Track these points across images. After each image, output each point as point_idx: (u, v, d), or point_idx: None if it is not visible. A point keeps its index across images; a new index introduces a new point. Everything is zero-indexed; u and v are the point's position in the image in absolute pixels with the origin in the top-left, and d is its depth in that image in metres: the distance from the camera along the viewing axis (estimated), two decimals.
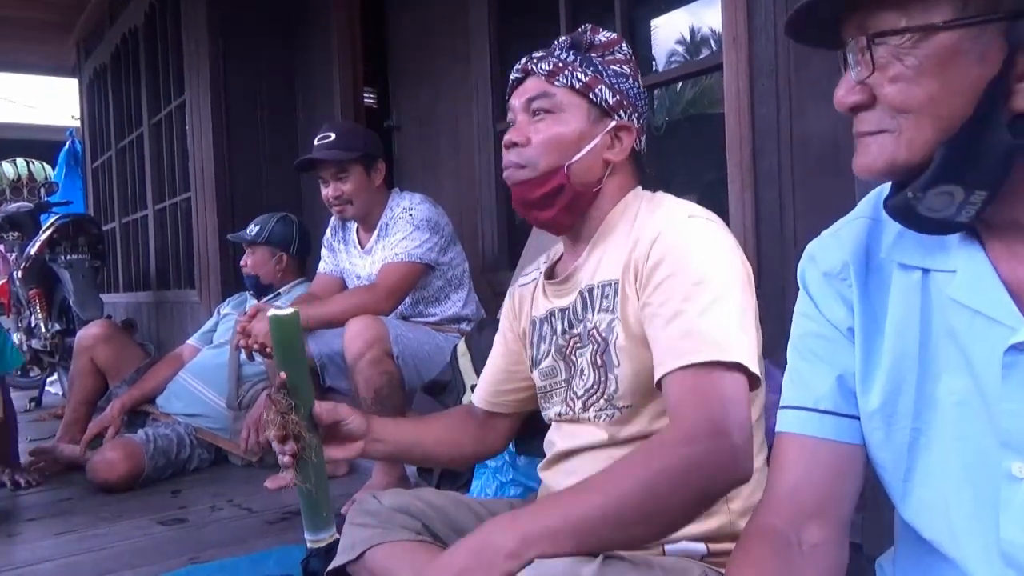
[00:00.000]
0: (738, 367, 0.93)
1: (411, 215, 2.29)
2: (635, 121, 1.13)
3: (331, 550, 1.46)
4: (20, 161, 9.45)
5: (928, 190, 0.62)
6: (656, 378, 0.97)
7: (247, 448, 2.59)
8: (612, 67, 1.12)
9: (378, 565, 1.17)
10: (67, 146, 6.78)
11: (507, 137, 1.12)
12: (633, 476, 0.88)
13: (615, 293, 1.06)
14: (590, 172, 1.11)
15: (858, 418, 0.73)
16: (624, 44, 1.16)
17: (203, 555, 1.82)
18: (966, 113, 0.60)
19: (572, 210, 1.12)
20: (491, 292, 2.67)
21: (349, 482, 2.39)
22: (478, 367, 1.80)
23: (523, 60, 1.14)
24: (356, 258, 2.47)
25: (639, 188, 1.16)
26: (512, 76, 1.16)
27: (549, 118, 1.10)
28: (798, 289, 0.79)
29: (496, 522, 0.92)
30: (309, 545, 1.13)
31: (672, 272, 0.99)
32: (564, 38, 1.15)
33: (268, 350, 2.12)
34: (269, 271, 2.84)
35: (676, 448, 0.88)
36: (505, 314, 1.30)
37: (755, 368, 0.95)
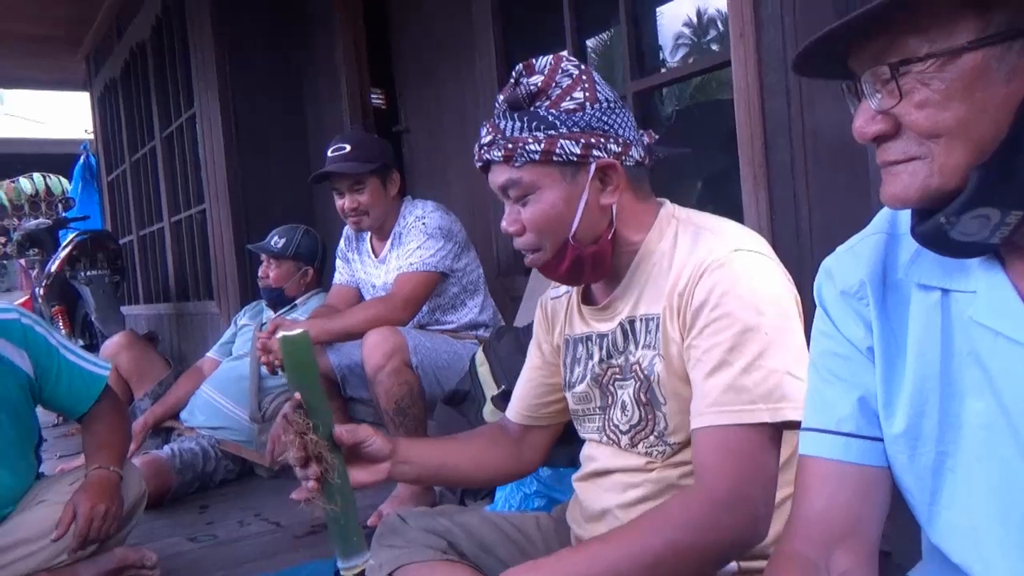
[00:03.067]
0: (779, 424, 0.93)
1: (424, 224, 2.30)
2: (613, 147, 1.03)
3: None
4: (37, 176, 9.60)
5: (963, 214, 0.60)
6: (691, 427, 0.97)
7: (272, 460, 2.62)
8: (563, 106, 1.01)
9: None
10: (82, 160, 6.85)
11: (503, 227, 1.08)
12: (656, 534, 0.90)
13: (657, 328, 1.02)
14: (596, 227, 1.05)
15: (881, 440, 0.72)
16: (564, 63, 1.04)
17: (235, 572, 1.85)
18: (999, 133, 0.58)
19: (601, 266, 1.08)
20: (507, 297, 2.67)
21: (375, 493, 2.40)
22: (497, 376, 1.80)
23: (476, 150, 1.07)
24: (371, 268, 2.48)
25: (666, 204, 1.10)
26: (476, 164, 1.09)
27: (529, 200, 1.04)
28: (813, 284, 0.78)
29: (518, 571, 0.95)
30: (343, 573, 1.09)
31: (717, 316, 0.95)
32: (501, 100, 1.06)
33: None
34: (294, 285, 2.86)
35: (700, 511, 0.90)
36: (539, 323, 1.26)
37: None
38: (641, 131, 1.11)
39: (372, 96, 3.74)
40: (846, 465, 0.73)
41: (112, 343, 3.07)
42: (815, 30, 0.62)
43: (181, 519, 2.35)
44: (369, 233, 2.48)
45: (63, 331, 4.47)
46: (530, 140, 1.01)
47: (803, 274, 1.70)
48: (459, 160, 3.06)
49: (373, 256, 2.47)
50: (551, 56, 1.05)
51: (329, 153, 2.33)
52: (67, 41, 5.91)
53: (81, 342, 4.43)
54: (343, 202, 2.34)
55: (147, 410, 2.93)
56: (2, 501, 1.75)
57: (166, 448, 2.65)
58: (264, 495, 2.53)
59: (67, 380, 1.79)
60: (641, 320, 1.05)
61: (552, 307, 1.24)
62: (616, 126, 1.04)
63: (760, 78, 1.77)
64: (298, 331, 1.05)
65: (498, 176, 1.05)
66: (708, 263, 0.98)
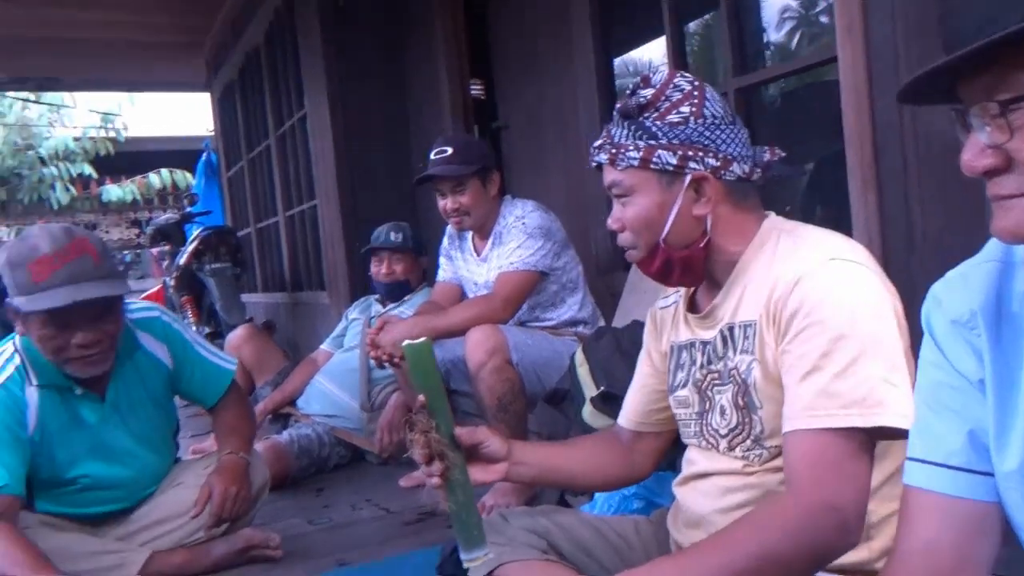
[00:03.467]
0: (873, 430, 0.93)
1: (524, 223, 2.35)
2: (711, 160, 1.08)
3: (454, 553, 1.55)
4: (164, 172, 10.31)
5: None
6: (783, 431, 0.98)
7: (382, 448, 2.77)
8: (668, 118, 1.08)
9: None
10: (204, 157, 7.31)
11: (608, 223, 1.17)
12: (747, 542, 0.92)
13: (754, 334, 1.06)
14: (688, 234, 1.10)
15: (992, 475, 0.71)
16: (676, 80, 1.11)
17: (349, 555, 1.98)
18: None
19: (691, 270, 1.13)
20: (607, 294, 2.69)
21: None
22: (596, 378, 1.84)
23: (591, 151, 1.16)
24: (473, 266, 2.55)
25: (772, 217, 1.14)
26: (590, 163, 1.18)
27: (628, 202, 1.12)
28: (924, 291, 0.77)
29: None
30: (465, 564, 1.16)
31: (810, 323, 0.97)
32: (617, 108, 1.15)
33: (396, 360, 2.25)
34: (416, 276, 3.01)
35: (790, 516, 0.92)
36: (648, 332, 1.31)
37: (904, 421, 0.92)
38: (764, 148, 1.14)
39: (472, 86, 3.82)
40: (954, 499, 0.72)
41: (235, 336, 3.31)
42: (928, 25, 0.61)
43: (300, 501, 2.52)
44: (471, 232, 2.56)
45: (191, 319, 4.81)
46: (631, 147, 1.09)
47: (913, 280, 1.65)
48: (558, 156, 3.09)
49: (475, 254, 2.55)
50: (667, 71, 1.15)
51: (432, 156, 2.42)
52: (188, 47, 6.31)
53: (207, 329, 4.76)
54: (445, 203, 2.43)
55: (267, 397, 3.15)
56: (148, 481, 1.94)
57: (285, 434, 2.84)
58: (374, 481, 2.67)
59: (200, 373, 1.97)
60: (740, 327, 1.08)
61: (660, 316, 1.28)
62: (718, 141, 1.09)
63: (869, 76, 1.71)
64: (421, 340, 1.13)
65: (606, 176, 1.14)
66: (804, 271, 1.00)
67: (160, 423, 1.95)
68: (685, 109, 1.08)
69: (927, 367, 0.76)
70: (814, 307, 0.97)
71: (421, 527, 2.17)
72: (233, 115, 6.13)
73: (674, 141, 1.08)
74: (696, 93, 1.10)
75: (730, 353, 1.09)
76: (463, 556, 1.16)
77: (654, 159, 1.08)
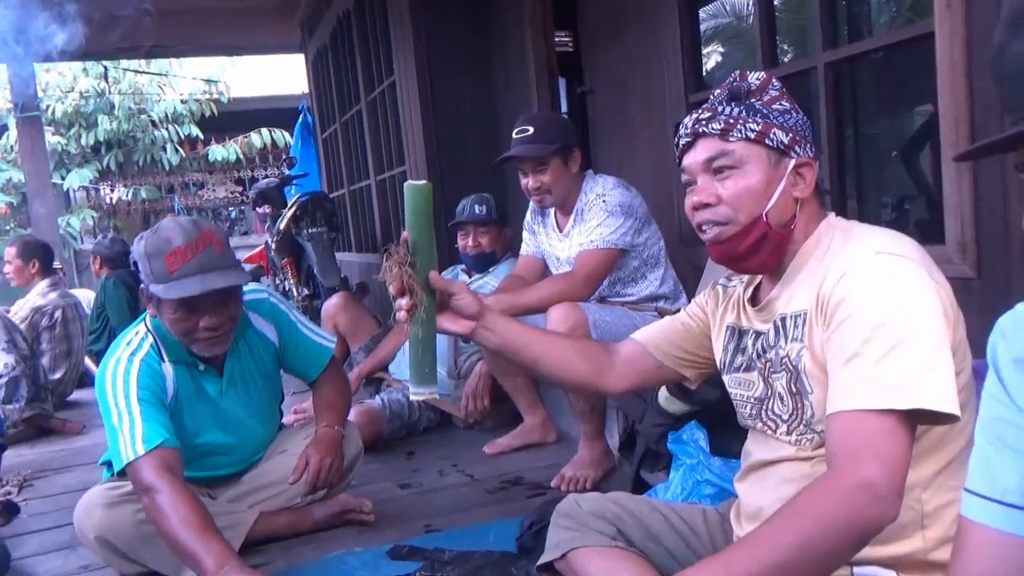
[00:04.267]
0: (911, 413, 0.95)
1: (604, 201, 2.36)
2: (810, 152, 1.16)
3: (532, 527, 1.65)
4: (264, 131, 10.71)
5: None
6: (826, 415, 1.01)
7: (467, 414, 2.89)
8: (775, 107, 1.16)
9: (578, 565, 1.32)
10: (300, 119, 7.54)
11: (695, 199, 1.16)
12: (789, 531, 0.94)
13: (804, 323, 1.11)
14: (785, 213, 1.15)
15: None
16: (774, 80, 1.19)
17: (435, 521, 2.10)
18: None
19: (776, 252, 1.17)
20: (689, 267, 2.68)
21: (558, 452, 2.59)
22: None
23: (690, 123, 1.18)
24: (555, 241, 2.59)
25: (831, 216, 1.19)
26: (681, 140, 1.19)
27: (734, 174, 1.14)
28: (1021, 281, 0.76)
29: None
30: (412, 397, 1.28)
31: (853, 312, 1.02)
32: (721, 91, 1.20)
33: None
34: (501, 247, 3.08)
35: (828, 505, 0.94)
36: (709, 295, 1.36)
37: (944, 405, 0.95)
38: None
39: (558, 38, 3.77)
40: (1007, 536, 0.72)
41: (331, 305, 3.49)
42: None
43: (391, 464, 2.68)
44: (553, 207, 2.58)
45: (292, 280, 5.08)
46: (749, 121, 1.14)
47: (1009, 267, 1.58)
48: (644, 123, 3.05)
49: (557, 230, 2.58)
50: (762, 72, 1.21)
51: (514, 135, 2.45)
52: (283, 11, 6.47)
53: (306, 291, 5.02)
54: (527, 181, 2.46)
55: (361, 363, 3.32)
56: (257, 447, 2.12)
57: (377, 398, 3.00)
58: (459, 446, 2.80)
59: (303, 350, 2.12)
60: (791, 317, 1.14)
61: (724, 291, 1.34)
62: (809, 139, 1.17)
63: (968, 54, 1.63)
64: (423, 182, 1.24)
65: (707, 149, 1.15)
66: (850, 265, 1.05)
67: (269, 396, 2.12)
68: (786, 104, 1.17)
69: (989, 400, 0.77)
70: (857, 297, 1.02)
71: (503, 496, 2.28)
72: (327, 78, 6.29)
73: (785, 124, 1.14)
74: (788, 96, 1.18)
75: (781, 342, 1.15)
76: (412, 389, 1.28)
77: (771, 134, 1.13)
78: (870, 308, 1.00)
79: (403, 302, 1.22)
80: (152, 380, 1.83)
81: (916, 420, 0.97)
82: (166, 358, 1.90)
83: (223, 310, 1.82)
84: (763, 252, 1.15)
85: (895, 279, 1.02)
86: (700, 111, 1.18)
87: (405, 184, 1.23)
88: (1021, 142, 0.60)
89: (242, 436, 2.06)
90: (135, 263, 1.89)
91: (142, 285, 1.86)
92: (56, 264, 4.38)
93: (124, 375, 1.81)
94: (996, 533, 0.73)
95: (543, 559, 1.37)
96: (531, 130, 2.40)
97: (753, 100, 1.16)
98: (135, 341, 1.89)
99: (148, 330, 1.91)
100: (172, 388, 1.89)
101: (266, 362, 2.07)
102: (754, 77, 1.19)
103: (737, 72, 1.21)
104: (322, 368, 2.14)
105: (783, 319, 1.15)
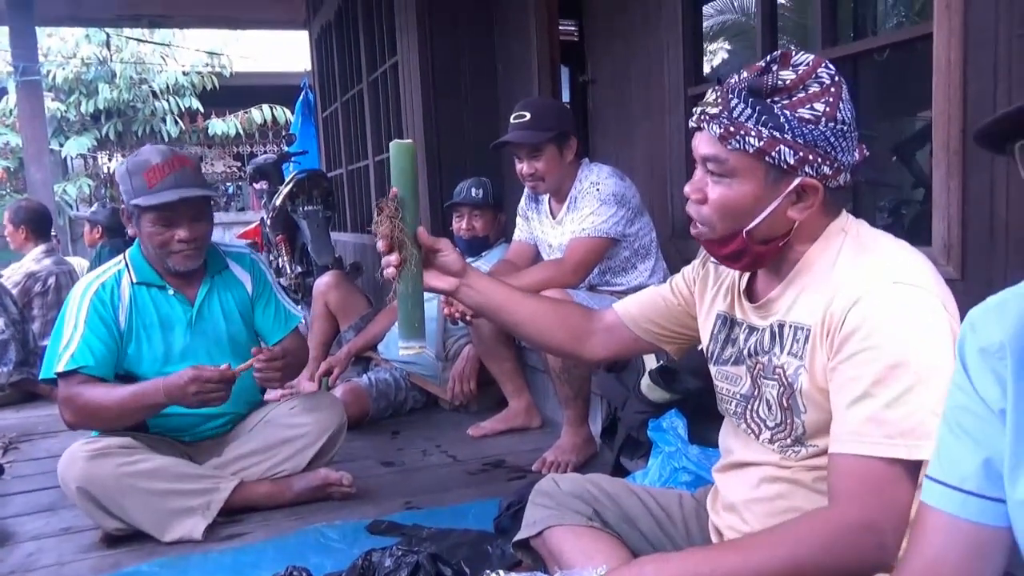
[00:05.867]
0: (918, 462, 0.93)
1: (598, 190, 2.37)
2: (825, 168, 1.01)
3: (511, 508, 1.66)
4: (265, 107, 10.68)
5: None
6: (829, 449, 1.00)
7: (453, 396, 2.91)
8: (800, 112, 1.00)
9: (553, 543, 1.33)
10: (301, 96, 7.51)
11: (687, 189, 1.10)
12: (783, 548, 0.95)
13: (806, 340, 1.04)
14: (773, 230, 1.06)
15: (1004, 501, 0.73)
16: (821, 69, 1.01)
17: (416, 499, 2.12)
18: None
19: (758, 264, 1.11)
20: (680, 259, 2.69)
21: (542, 437, 2.61)
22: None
23: (698, 111, 1.07)
24: (548, 227, 2.60)
25: (842, 217, 1.09)
26: (691, 123, 1.10)
27: (723, 182, 1.04)
28: (1005, 284, 0.78)
29: (650, 560, 1.05)
30: (400, 351, 1.31)
31: (866, 347, 0.96)
32: (743, 78, 1.04)
33: (468, 317, 2.34)
34: (494, 232, 3.08)
35: (830, 531, 0.94)
36: (696, 270, 1.30)
37: None
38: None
39: (563, 26, 3.75)
40: (962, 521, 0.75)
41: (322, 282, 3.49)
42: None
43: (376, 442, 2.69)
44: (547, 194, 2.59)
45: (285, 257, 5.07)
46: (753, 132, 1.00)
47: (992, 271, 1.60)
48: (643, 115, 3.05)
49: (551, 216, 2.59)
50: (812, 56, 1.03)
51: (511, 120, 2.45)
52: None
53: (299, 268, 5.01)
54: (522, 167, 2.47)
55: (350, 341, 3.33)
56: (234, 393, 1.96)
57: (364, 377, 3.01)
58: (444, 428, 2.82)
59: (272, 310, 2.20)
60: (791, 327, 1.08)
61: (715, 271, 1.26)
62: (838, 150, 1.02)
63: (964, 56, 1.64)
64: (407, 141, 1.27)
65: (706, 146, 1.06)
66: (864, 291, 0.98)
67: (243, 337, 2.15)
68: (819, 107, 1.00)
69: (954, 390, 0.78)
70: (872, 331, 0.96)
71: (484, 478, 2.30)
72: (329, 56, 6.26)
73: (799, 139, 1.00)
74: (834, 90, 1.01)
75: (776, 350, 1.09)
76: (401, 343, 1.31)
77: (772, 153, 1.00)
78: (884, 345, 0.95)
79: (392, 258, 1.23)
80: (102, 303, 1.98)
81: (920, 466, 0.95)
82: (133, 279, 2.02)
83: (195, 225, 1.98)
84: (742, 262, 1.11)
85: (912, 316, 0.96)
86: (714, 95, 1.05)
87: (391, 143, 1.27)
88: None
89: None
90: (118, 185, 2.05)
91: (123, 205, 2.01)
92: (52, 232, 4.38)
93: (80, 296, 1.98)
94: (951, 518, 0.75)
95: (519, 536, 1.39)
96: (528, 116, 2.41)
97: (775, 101, 1.00)
98: (109, 268, 2.05)
99: (124, 258, 2.06)
100: (126, 309, 2.01)
101: (239, 301, 2.16)
102: (792, 68, 1.01)
103: (779, 53, 1.03)
104: (287, 332, 2.20)
105: (782, 326, 1.09)
